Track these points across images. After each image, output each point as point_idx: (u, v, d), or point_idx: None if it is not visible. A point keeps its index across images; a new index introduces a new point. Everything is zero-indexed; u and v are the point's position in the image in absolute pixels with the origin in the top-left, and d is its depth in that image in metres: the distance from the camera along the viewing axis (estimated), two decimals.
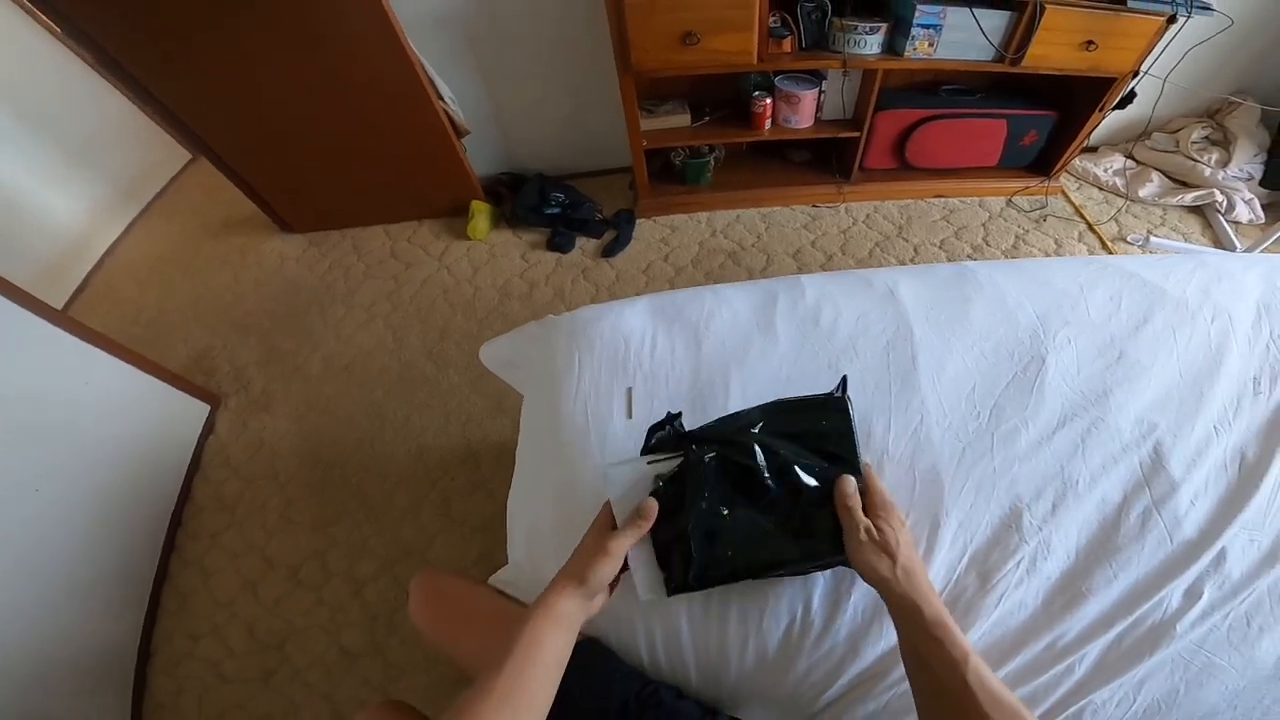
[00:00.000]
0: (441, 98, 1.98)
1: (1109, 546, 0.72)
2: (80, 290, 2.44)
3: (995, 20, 1.74)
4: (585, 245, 2.30)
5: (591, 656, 0.74)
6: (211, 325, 2.20)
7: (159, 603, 1.58)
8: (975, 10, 1.69)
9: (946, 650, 0.54)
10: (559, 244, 2.27)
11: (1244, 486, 0.74)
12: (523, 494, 0.90)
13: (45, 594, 1.34)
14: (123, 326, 2.21)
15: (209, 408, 1.90)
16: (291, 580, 1.58)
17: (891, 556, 0.60)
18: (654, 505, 0.65)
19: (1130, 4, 1.65)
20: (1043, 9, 1.66)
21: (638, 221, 2.34)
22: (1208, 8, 1.65)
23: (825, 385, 0.74)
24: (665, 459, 0.69)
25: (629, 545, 0.64)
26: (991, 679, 0.53)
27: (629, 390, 0.78)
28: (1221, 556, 0.70)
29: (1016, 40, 1.77)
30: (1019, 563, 0.71)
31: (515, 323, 2.01)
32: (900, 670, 0.67)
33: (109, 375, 1.60)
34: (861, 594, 0.70)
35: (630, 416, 0.83)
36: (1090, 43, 1.76)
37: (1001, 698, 0.51)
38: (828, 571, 0.71)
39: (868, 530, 0.61)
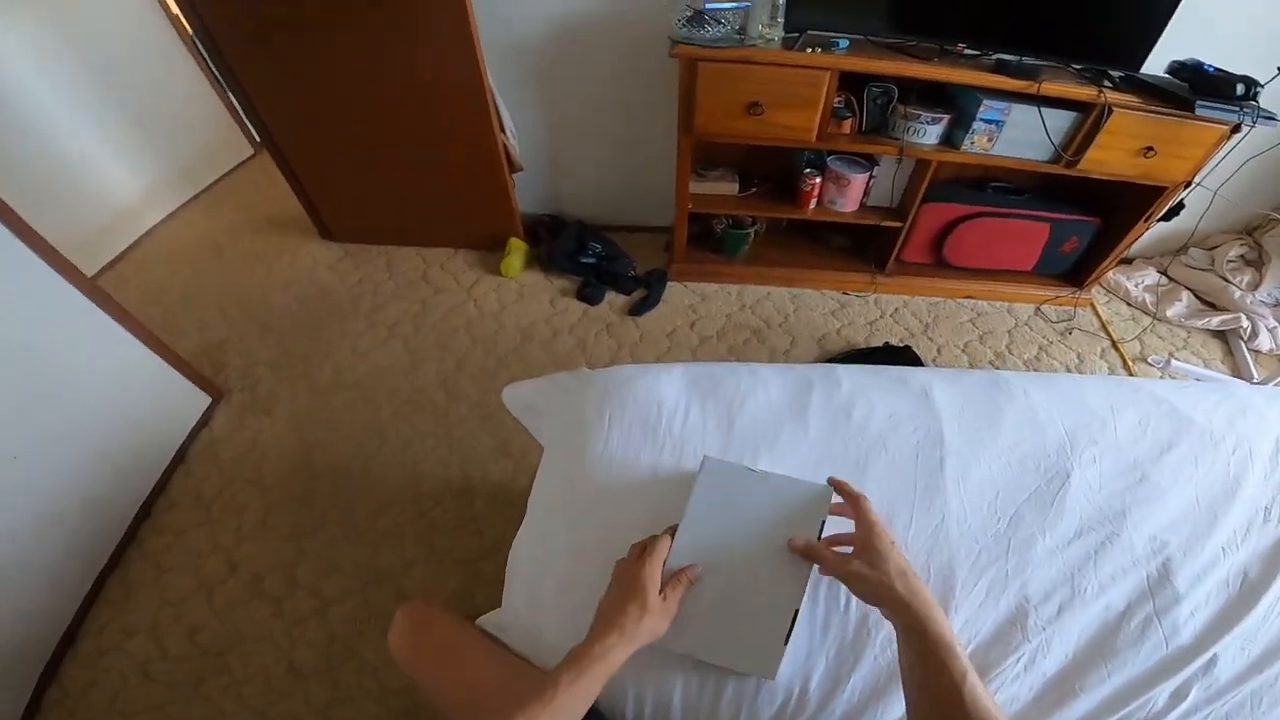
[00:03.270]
0: (504, 129, 2.02)
1: (1107, 649, 0.75)
2: (114, 262, 2.47)
3: (1060, 120, 1.74)
4: (614, 300, 2.30)
5: None
6: (231, 318, 2.20)
7: (100, 591, 1.50)
8: (1042, 109, 1.70)
9: (948, 669, 0.57)
10: (589, 295, 2.27)
11: (1243, 601, 0.79)
12: (531, 542, 0.88)
13: None
14: (143, 305, 2.21)
15: (210, 400, 1.87)
16: (253, 589, 1.51)
17: (883, 570, 0.64)
18: (700, 573, 0.72)
19: (1197, 110, 1.64)
20: (1110, 111, 1.67)
21: (669, 284, 2.35)
22: (1273, 118, 1.64)
23: (851, 478, 0.77)
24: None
25: (681, 596, 0.69)
26: (988, 700, 0.55)
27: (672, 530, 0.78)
28: (1212, 662, 0.74)
29: (1077, 142, 1.77)
30: (1019, 659, 0.73)
31: (534, 366, 2.02)
32: None
33: (118, 349, 1.57)
34: (861, 676, 0.71)
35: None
36: (1149, 149, 1.75)
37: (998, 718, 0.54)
38: (831, 651, 0.72)
39: (849, 565, 0.67)
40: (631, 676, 0.72)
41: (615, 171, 2.40)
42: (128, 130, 2.55)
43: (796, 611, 0.69)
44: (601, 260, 2.34)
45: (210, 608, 1.48)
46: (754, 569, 0.72)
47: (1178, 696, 0.72)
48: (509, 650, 0.80)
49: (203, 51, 1.86)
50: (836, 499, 0.76)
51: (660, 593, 0.67)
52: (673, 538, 0.74)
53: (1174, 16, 1.56)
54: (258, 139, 3.08)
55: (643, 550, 0.71)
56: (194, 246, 2.58)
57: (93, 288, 1.49)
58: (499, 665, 0.77)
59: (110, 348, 1.55)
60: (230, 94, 2.12)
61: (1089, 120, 1.72)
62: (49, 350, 1.40)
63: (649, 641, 0.66)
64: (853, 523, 0.72)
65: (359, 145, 2.11)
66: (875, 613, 0.72)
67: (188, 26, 2.51)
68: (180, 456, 1.76)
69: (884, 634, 0.73)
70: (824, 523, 0.74)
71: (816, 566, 0.72)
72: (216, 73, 1.94)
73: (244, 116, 2.74)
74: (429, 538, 1.59)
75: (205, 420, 1.85)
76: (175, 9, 2.60)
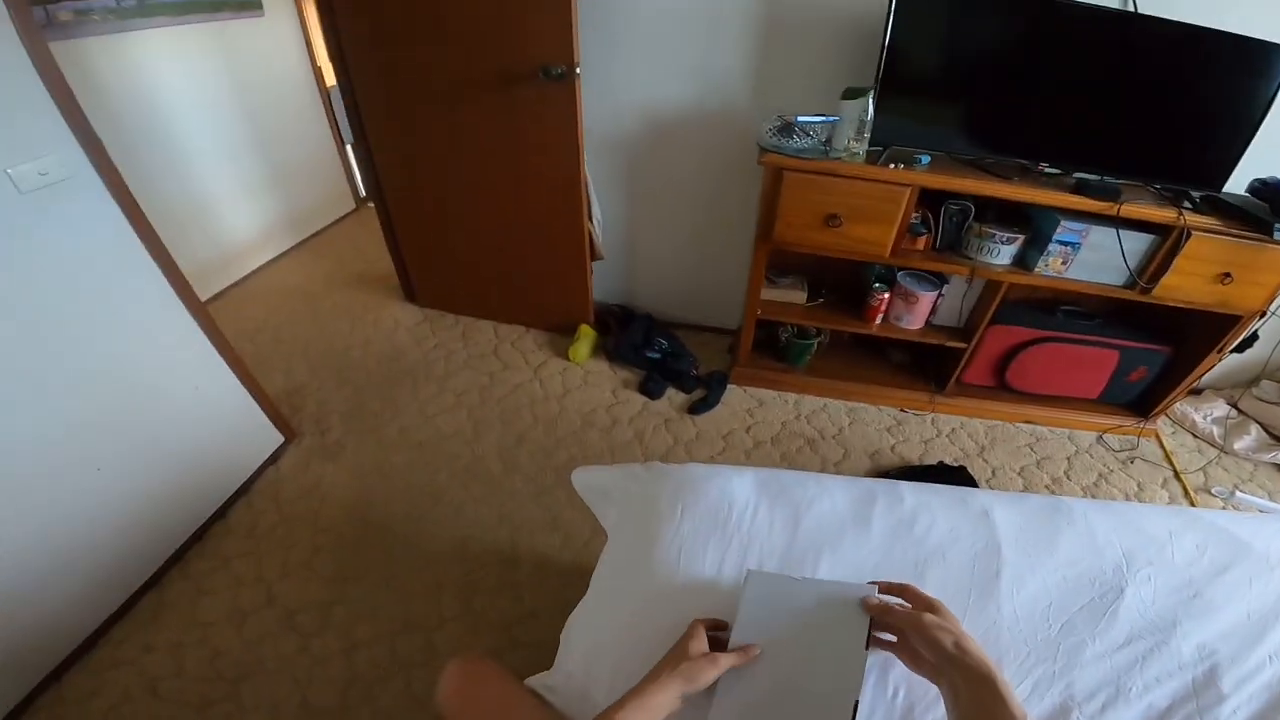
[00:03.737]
0: (591, 217, 2.16)
1: None
2: (217, 297, 2.69)
3: (1137, 243, 1.73)
4: (674, 396, 2.33)
5: None
6: (314, 366, 2.32)
7: (132, 607, 1.52)
8: (1120, 232, 1.70)
9: (1010, 712, 0.58)
10: (650, 389, 2.31)
11: None
12: (592, 616, 0.93)
13: (37, 565, 1.31)
14: (238, 341, 2.30)
15: (283, 440, 1.94)
16: (285, 622, 1.51)
17: (957, 631, 0.67)
18: (757, 653, 0.73)
19: (1277, 234, 1.60)
20: (1188, 235, 1.66)
21: (729, 387, 2.37)
22: None
23: (908, 581, 0.80)
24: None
25: (733, 664, 0.71)
26: None
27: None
28: None
29: (1154, 268, 1.75)
30: None
31: (591, 451, 2.08)
32: None
33: (215, 378, 1.68)
34: None
35: None
36: (1227, 275, 1.70)
37: None
38: None
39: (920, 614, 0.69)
40: None
41: (689, 269, 2.50)
42: (259, 171, 2.84)
43: (857, 702, 0.69)
44: (666, 356, 2.40)
45: (238, 635, 1.48)
46: (809, 665, 0.74)
47: None
48: (555, 712, 0.81)
49: (336, 107, 2.06)
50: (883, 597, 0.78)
51: (708, 653, 0.71)
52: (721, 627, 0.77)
53: (1258, 133, 1.58)
54: (362, 194, 3.42)
55: None
56: (291, 292, 2.78)
57: (204, 313, 1.60)
58: None
59: (207, 373, 1.66)
60: (350, 150, 2.32)
61: (1167, 244, 1.70)
62: (153, 364, 1.50)
63: (689, 687, 0.68)
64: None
65: (456, 215, 2.28)
66: (921, 704, 0.74)
67: (328, 80, 2.87)
68: (245, 488, 1.82)
69: None
70: (870, 620, 0.75)
71: (870, 658, 0.73)
72: (345, 127, 2.14)
73: (356, 172, 3.00)
74: (468, 597, 1.58)
75: (275, 458, 1.92)
76: (321, 62, 2.95)
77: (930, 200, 1.80)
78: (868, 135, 1.63)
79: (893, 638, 0.74)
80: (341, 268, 2.98)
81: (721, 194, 2.23)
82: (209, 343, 1.63)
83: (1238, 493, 2.09)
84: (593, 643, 0.86)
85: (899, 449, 2.20)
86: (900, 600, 0.75)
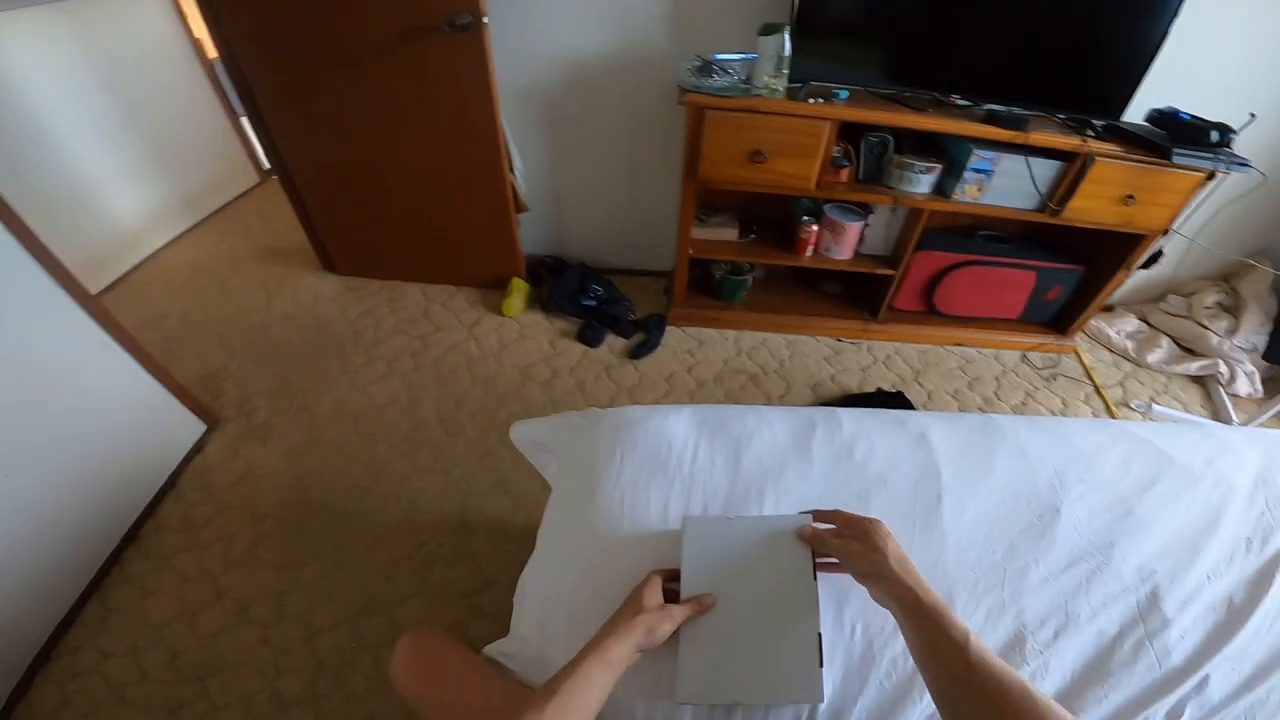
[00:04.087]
0: (513, 170, 2.08)
1: (1102, 671, 0.78)
2: (115, 284, 2.48)
3: (1046, 170, 1.82)
4: (613, 343, 2.32)
5: None
6: (231, 347, 2.19)
7: (80, 612, 1.46)
8: (1029, 159, 1.78)
9: (949, 634, 0.59)
10: (589, 337, 2.29)
11: (1230, 625, 0.83)
12: (541, 573, 0.90)
13: None
14: (142, 329, 2.20)
15: (205, 428, 1.85)
16: (238, 615, 1.47)
17: (881, 551, 0.68)
18: (713, 601, 0.73)
19: (1174, 158, 1.71)
20: (1092, 160, 1.75)
21: (668, 328, 2.38)
22: (1246, 164, 1.71)
23: (852, 511, 0.82)
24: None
25: (688, 616, 0.71)
26: (993, 657, 0.57)
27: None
28: (1204, 682, 0.78)
29: (1061, 191, 1.85)
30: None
31: (533, 406, 2.04)
32: None
33: (116, 369, 1.56)
34: (867, 701, 0.73)
35: None
36: (1130, 197, 1.82)
37: (1007, 674, 0.56)
38: (839, 676, 0.74)
39: (846, 544, 0.71)
40: (642, 707, 0.73)
41: (618, 215, 2.46)
42: (140, 151, 2.60)
43: (819, 633, 0.71)
44: (602, 303, 2.38)
45: (193, 633, 1.44)
46: (763, 606, 0.75)
47: (1173, 716, 0.75)
48: (514, 677, 0.80)
49: (222, 78, 1.90)
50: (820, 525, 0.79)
51: (663, 605, 0.71)
52: (674, 578, 0.77)
53: (1152, 65, 1.66)
54: (265, 167, 3.18)
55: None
56: (196, 273, 2.59)
57: (95, 305, 1.48)
58: (504, 692, 0.77)
59: (108, 368, 1.54)
60: (245, 120, 2.16)
61: (1073, 169, 1.80)
62: (46, 365, 1.39)
63: (647, 641, 0.68)
64: None
65: (369, 179, 2.15)
66: (881, 636, 0.75)
67: (209, 51, 2.63)
68: (172, 481, 1.73)
69: (889, 657, 0.74)
70: (812, 550, 0.76)
71: (823, 591, 0.74)
72: (235, 99, 1.98)
73: (256, 144, 2.80)
74: (424, 571, 1.56)
75: (199, 447, 1.83)
76: (199, 33, 2.72)
77: (850, 134, 1.84)
78: (786, 72, 1.63)
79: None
80: (250, 243, 2.78)
81: (646, 137, 2.17)
82: (106, 334, 1.50)
83: (1155, 405, 2.25)
84: (545, 602, 0.85)
85: (839, 379, 2.27)
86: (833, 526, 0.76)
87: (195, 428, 1.82)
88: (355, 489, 1.75)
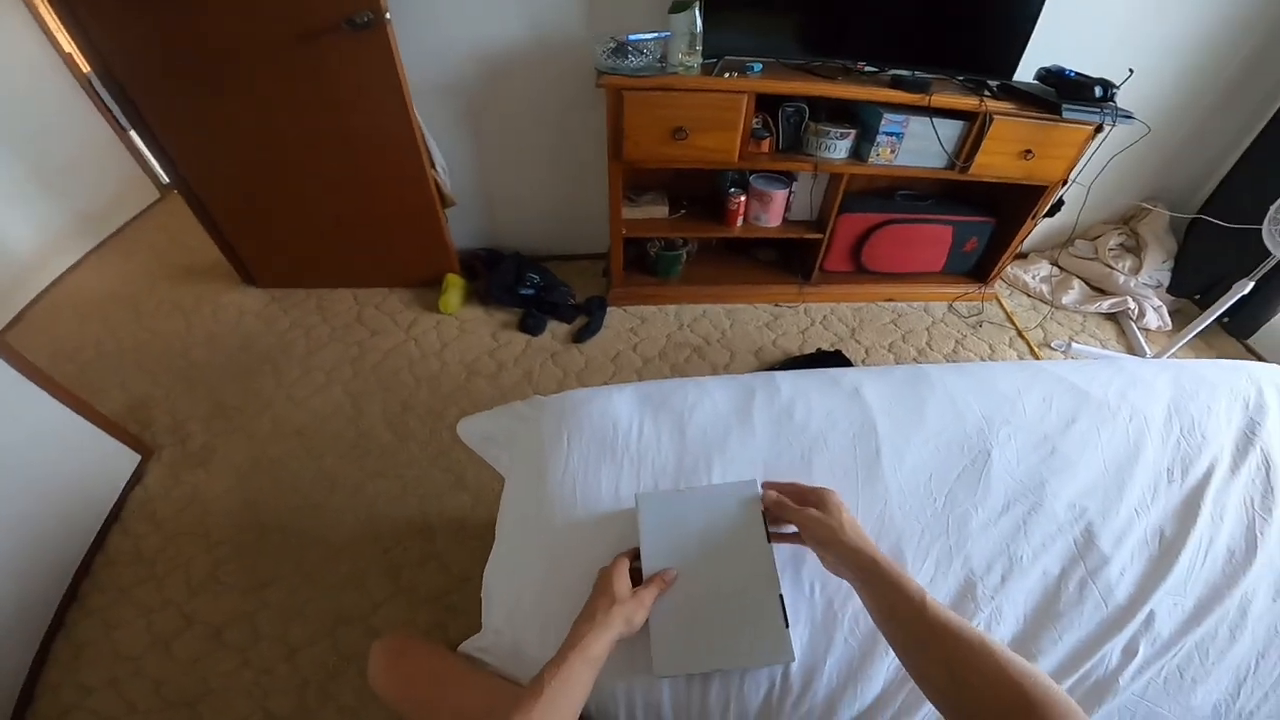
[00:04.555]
0: (434, 165, 2.03)
1: (1052, 612, 0.80)
2: (17, 320, 2.32)
3: (950, 129, 1.92)
4: (556, 329, 2.32)
5: None
6: (154, 374, 2.08)
7: (49, 653, 1.41)
8: (934, 120, 1.87)
9: (905, 595, 0.61)
10: (530, 326, 2.28)
11: (1165, 558, 0.86)
12: (503, 565, 0.90)
13: None
14: (56, 363, 2.08)
15: (139, 458, 1.76)
16: (213, 640, 1.44)
17: (837, 519, 0.70)
18: (675, 575, 0.75)
19: (1064, 114, 1.84)
20: (991, 119, 1.86)
21: (609, 309, 2.39)
22: (1130, 116, 1.86)
23: (798, 473, 0.89)
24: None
25: (656, 595, 0.72)
26: (950, 614, 0.59)
27: None
28: (1151, 618, 0.80)
29: (966, 149, 1.96)
30: (977, 627, 0.79)
31: (481, 400, 2.02)
32: None
33: (36, 410, 1.47)
34: (836, 659, 0.75)
35: None
36: (1028, 152, 1.95)
37: (964, 629, 0.57)
38: (805, 636, 0.76)
39: (805, 510, 0.72)
40: (621, 682, 0.74)
41: (548, 201, 2.44)
42: (22, 174, 2.43)
43: (781, 596, 0.73)
44: (540, 291, 2.37)
45: (171, 660, 1.41)
46: (723, 574, 0.76)
47: (1128, 653, 0.78)
48: (492, 672, 0.80)
49: (101, 92, 1.78)
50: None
51: (633, 591, 0.71)
52: (637, 557, 0.77)
53: (1036, 26, 1.76)
54: (165, 181, 2.99)
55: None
56: (105, 299, 2.43)
57: (2, 345, 1.39)
58: (485, 688, 0.77)
59: (25, 408, 1.45)
60: (135, 135, 2.02)
61: (975, 128, 1.90)
62: None
63: (626, 631, 0.68)
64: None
65: (281, 186, 2.07)
66: (839, 595, 0.77)
67: (83, 65, 2.44)
68: (114, 515, 1.66)
69: (849, 614, 0.77)
70: (765, 512, 0.78)
71: (777, 554, 0.76)
72: (119, 114, 1.85)
73: (151, 159, 2.65)
74: (393, 576, 1.55)
75: (137, 478, 1.75)
76: (69, 48, 2.53)
77: (767, 105, 1.89)
78: (699, 48, 1.66)
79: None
80: (159, 262, 2.62)
81: (571, 123, 2.17)
82: (16, 373, 1.41)
83: (1074, 344, 2.41)
84: (512, 594, 0.84)
85: (779, 342, 2.34)
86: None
87: (129, 459, 1.74)
88: (309, 504, 1.71)
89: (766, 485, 0.80)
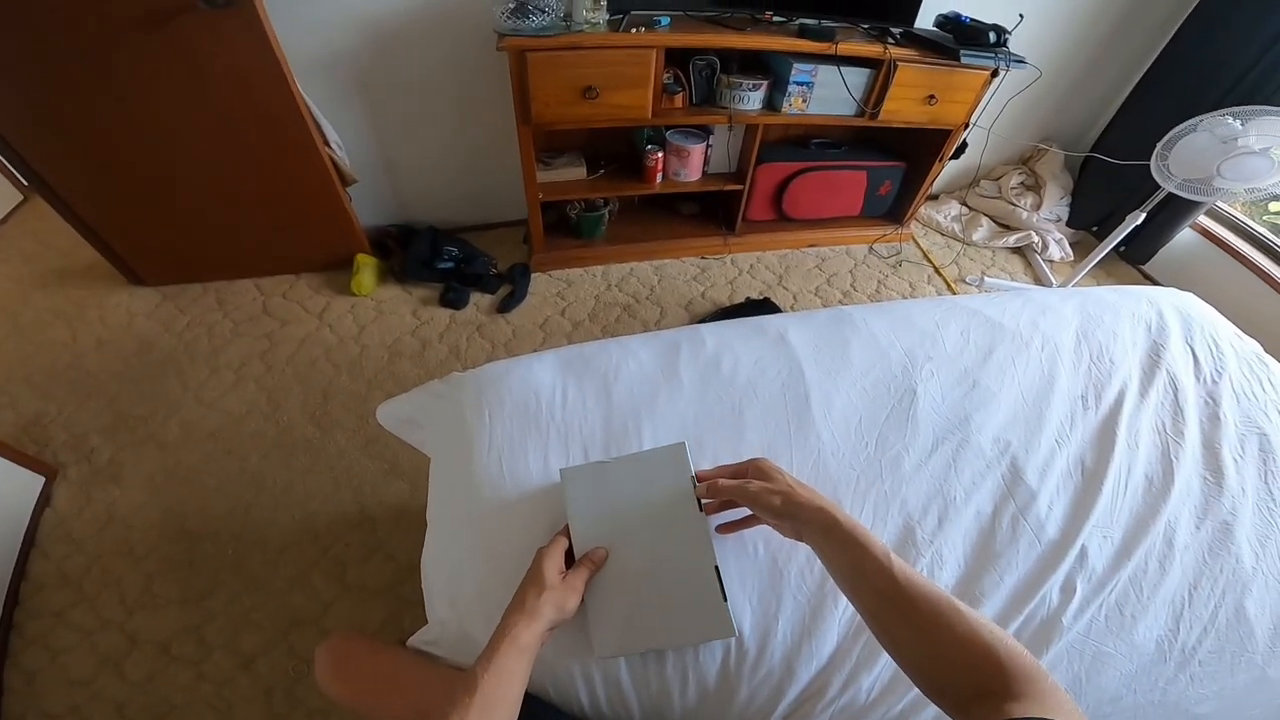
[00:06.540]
0: (328, 143, 1.90)
1: (990, 553, 0.82)
2: None
3: (857, 77, 1.95)
4: (480, 301, 2.25)
5: (530, 716, 0.70)
6: (43, 389, 1.91)
7: (2, 684, 1.35)
8: (842, 69, 1.89)
9: (872, 553, 0.59)
10: (452, 300, 2.21)
11: (1089, 490, 0.88)
12: (439, 552, 0.87)
13: None
14: None
15: (43, 479, 1.64)
16: (163, 656, 1.39)
17: (783, 482, 0.69)
18: (605, 554, 0.73)
19: (962, 59, 1.89)
20: (895, 66, 1.89)
21: (533, 276, 2.34)
22: (1022, 61, 1.94)
23: (730, 427, 0.88)
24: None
25: (588, 577, 0.71)
26: (915, 572, 0.58)
27: None
28: (1084, 554, 0.82)
29: (874, 96, 1.99)
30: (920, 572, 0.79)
31: (407, 383, 1.95)
32: (838, 682, 0.73)
33: None
34: (788, 617, 0.75)
35: None
36: (932, 97, 2.01)
37: (932, 588, 0.57)
38: (754, 598, 0.75)
39: (749, 483, 0.70)
40: (578, 666, 0.73)
41: (459, 171, 2.34)
42: None
43: (717, 568, 0.71)
44: (459, 263, 2.29)
45: (125, 682, 1.36)
46: (657, 548, 0.74)
47: (1067, 591, 0.79)
48: (444, 664, 0.79)
49: None
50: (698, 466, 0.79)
51: (562, 575, 0.69)
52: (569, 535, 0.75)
53: None
54: (25, 182, 2.67)
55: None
56: None
57: None
58: (437, 680, 0.76)
59: None
60: None
61: (880, 75, 1.94)
62: None
63: (558, 617, 0.67)
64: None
65: (158, 179, 1.88)
66: (783, 551, 0.77)
67: None
68: (30, 540, 1.55)
69: (795, 570, 0.76)
70: (694, 475, 0.76)
71: (713, 524, 0.75)
72: None
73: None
74: (338, 574, 1.52)
75: (45, 500, 1.63)
76: None
77: (678, 59, 1.86)
78: (605, 3, 1.61)
79: (747, 512, 0.73)
80: (31, 270, 2.36)
81: (475, 89, 2.07)
82: None
83: (986, 278, 2.53)
84: (450, 580, 0.82)
85: (709, 294, 2.36)
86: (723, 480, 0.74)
87: (32, 481, 1.61)
88: (237, 508, 1.64)
89: (699, 477, 0.77)
